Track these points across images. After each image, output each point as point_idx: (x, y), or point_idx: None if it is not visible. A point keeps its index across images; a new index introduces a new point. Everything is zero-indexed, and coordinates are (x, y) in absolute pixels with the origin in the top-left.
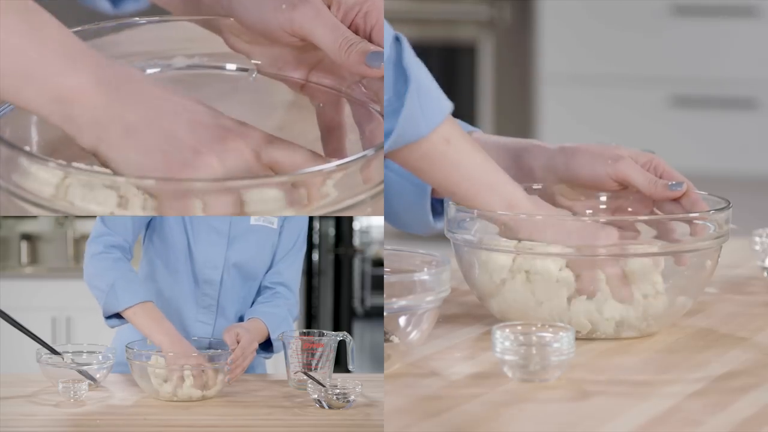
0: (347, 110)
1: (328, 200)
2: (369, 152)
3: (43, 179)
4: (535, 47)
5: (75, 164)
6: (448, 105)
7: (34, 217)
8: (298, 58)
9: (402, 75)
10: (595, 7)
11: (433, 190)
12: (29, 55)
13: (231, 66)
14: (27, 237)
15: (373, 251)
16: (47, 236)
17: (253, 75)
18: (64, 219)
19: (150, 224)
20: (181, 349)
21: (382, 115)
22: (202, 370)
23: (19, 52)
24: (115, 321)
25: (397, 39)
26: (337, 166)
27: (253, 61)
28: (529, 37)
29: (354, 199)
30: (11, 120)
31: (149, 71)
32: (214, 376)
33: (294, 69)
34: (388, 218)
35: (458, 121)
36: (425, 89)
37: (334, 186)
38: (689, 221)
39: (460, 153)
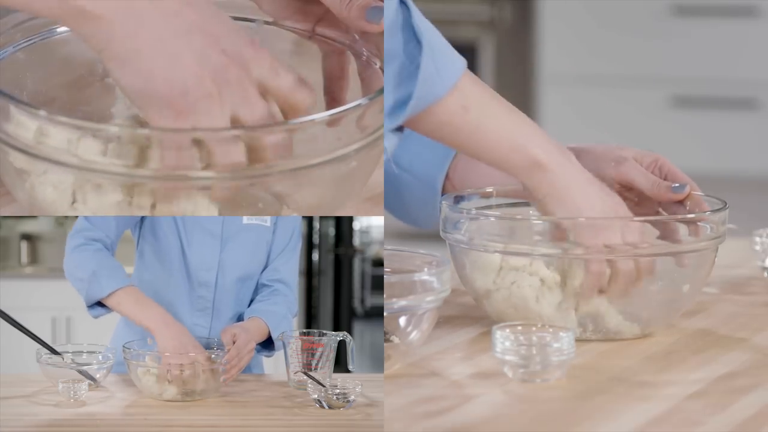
0: (351, 62)
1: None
2: (363, 101)
3: (28, 126)
4: (535, 47)
5: (61, 117)
6: (461, 62)
7: (34, 217)
8: (304, 10)
9: (413, 37)
10: (596, 7)
11: (442, 188)
12: None
13: (236, 16)
14: (27, 237)
15: (373, 251)
16: (47, 236)
17: (260, 25)
18: (64, 219)
19: (142, 227)
20: (175, 331)
21: (382, 70)
22: (194, 364)
23: None
24: (98, 310)
25: (402, 1)
26: (330, 115)
27: (261, 11)
28: (529, 37)
29: (347, 149)
30: (6, 66)
31: None
32: (209, 372)
33: (300, 20)
34: (397, 213)
35: None
36: (438, 49)
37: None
38: (685, 222)
39: (481, 117)
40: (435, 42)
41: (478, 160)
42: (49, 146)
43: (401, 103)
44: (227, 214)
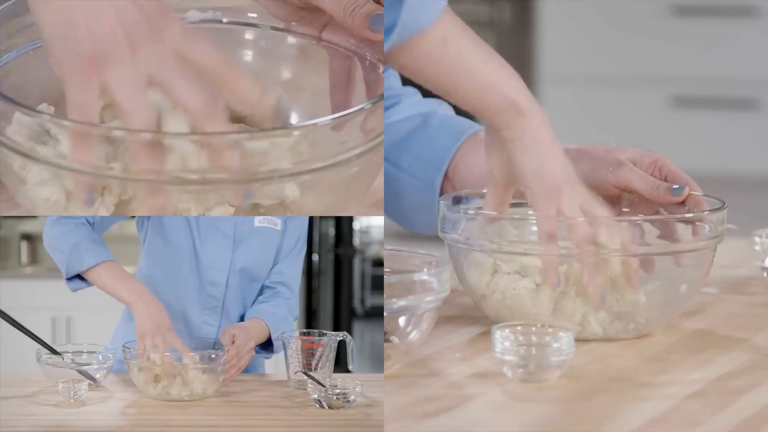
0: (357, 68)
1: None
2: (366, 105)
3: (31, 130)
4: (535, 47)
5: (65, 120)
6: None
7: (34, 217)
8: (310, 16)
9: None
10: (595, 7)
11: (441, 189)
12: None
13: (243, 20)
14: (27, 237)
15: (373, 251)
16: None
17: (266, 31)
18: None
19: (150, 225)
20: (153, 310)
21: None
22: (170, 355)
23: None
24: (77, 283)
25: None
26: (333, 118)
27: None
28: (529, 37)
29: (351, 153)
30: (10, 70)
31: None
32: (206, 372)
33: (307, 25)
34: (396, 217)
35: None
36: None
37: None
38: (684, 222)
39: (459, 52)
40: None
41: (454, 102)
42: (52, 149)
43: (386, 31)
44: (230, 215)
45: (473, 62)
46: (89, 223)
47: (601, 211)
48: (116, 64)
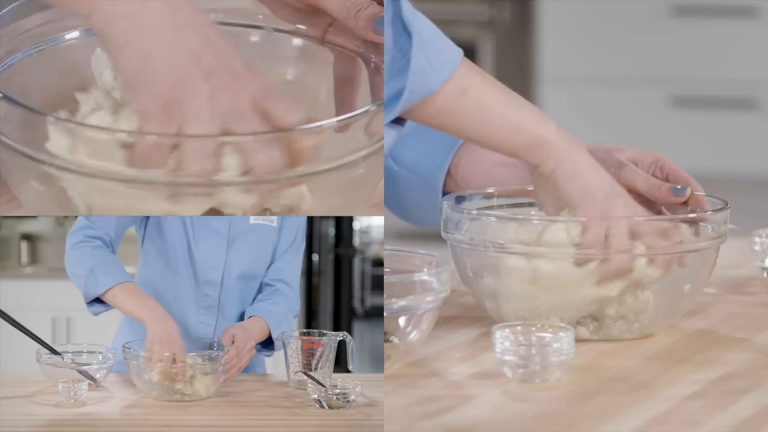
0: (362, 69)
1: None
2: (370, 107)
3: (35, 133)
4: (535, 47)
5: (69, 122)
6: (457, 52)
7: (34, 217)
8: (315, 17)
9: (403, 30)
10: (595, 7)
11: (444, 185)
12: None
13: (247, 22)
14: (27, 237)
15: (373, 251)
16: (47, 236)
17: (269, 32)
18: (64, 219)
19: (147, 226)
20: (165, 326)
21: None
22: (174, 361)
23: None
24: (97, 307)
25: None
26: (338, 121)
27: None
28: (529, 37)
29: (355, 155)
30: (15, 72)
31: None
32: (203, 374)
33: (311, 27)
34: (399, 213)
35: None
36: (430, 41)
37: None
38: (686, 222)
39: (480, 100)
40: (427, 35)
41: (482, 146)
42: (54, 153)
43: (395, 96)
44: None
45: (495, 107)
46: (105, 243)
47: (647, 227)
48: (193, 109)
